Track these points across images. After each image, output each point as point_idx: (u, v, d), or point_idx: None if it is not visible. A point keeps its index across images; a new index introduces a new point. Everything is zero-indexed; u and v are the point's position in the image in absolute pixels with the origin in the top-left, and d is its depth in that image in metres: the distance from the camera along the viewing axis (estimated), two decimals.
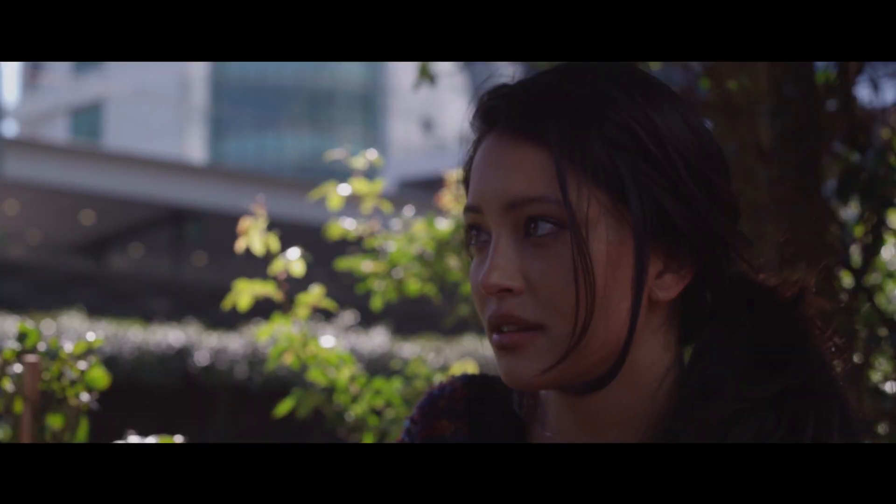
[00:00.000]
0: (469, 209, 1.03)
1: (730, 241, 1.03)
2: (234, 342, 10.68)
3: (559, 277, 0.97)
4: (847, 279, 2.17)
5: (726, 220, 1.03)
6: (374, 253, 2.83)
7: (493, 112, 1.03)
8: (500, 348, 1.00)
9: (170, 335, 10.55)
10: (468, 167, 1.06)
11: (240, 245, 2.47)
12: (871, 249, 2.14)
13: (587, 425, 1.04)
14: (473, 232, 1.04)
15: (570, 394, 1.04)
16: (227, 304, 2.50)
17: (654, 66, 2.44)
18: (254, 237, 2.48)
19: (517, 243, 1.00)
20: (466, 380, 1.16)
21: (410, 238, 2.80)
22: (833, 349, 1.04)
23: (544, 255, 0.98)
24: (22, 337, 1.93)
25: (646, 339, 1.02)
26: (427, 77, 2.80)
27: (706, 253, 1.02)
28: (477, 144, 1.05)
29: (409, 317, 13.40)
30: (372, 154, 2.75)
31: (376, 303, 2.81)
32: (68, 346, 1.92)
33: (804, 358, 1.01)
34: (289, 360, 2.47)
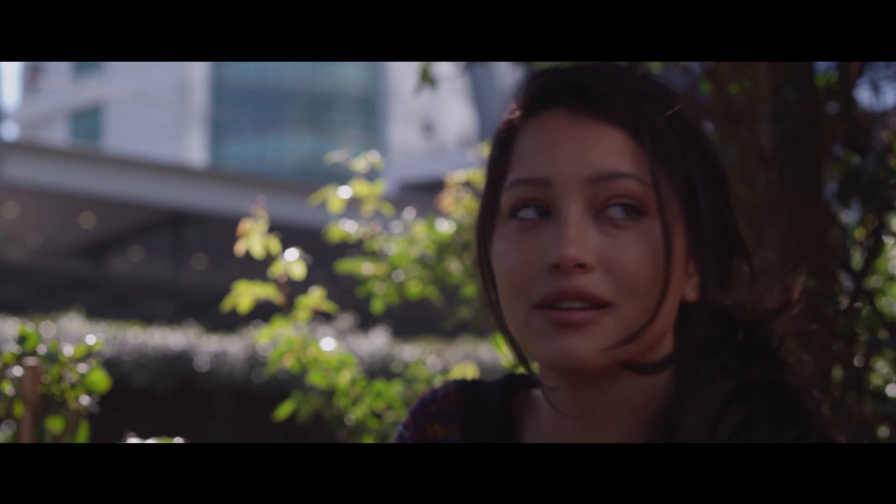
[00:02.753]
0: (531, 181, 1.01)
1: (740, 250, 1.06)
2: (233, 345, 10.68)
3: (634, 259, 0.98)
4: (848, 282, 2.17)
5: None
6: (374, 255, 2.83)
7: (558, 91, 1.03)
8: (563, 325, 0.98)
9: (169, 338, 10.54)
10: (504, 145, 1.05)
11: (240, 248, 2.47)
12: (872, 252, 2.14)
13: (593, 413, 1.04)
14: (523, 208, 1.01)
15: (596, 379, 1.02)
16: (226, 305, 2.50)
17: (655, 67, 2.44)
18: (254, 240, 2.47)
19: (590, 220, 0.99)
20: (459, 384, 1.17)
21: (411, 241, 2.80)
22: (806, 363, 1.05)
23: (619, 236, 0.99)
24: (22, 340, 1.93)
25: None
26: (428, 81, 2.79)
27: (718, 259, 1.04)
28: (519, 122, 1.05)
29: (408, 319, 13.40)
30: (373, 156, 2.75)
31: (377, 305, 2.81)
32: (68, 350, 1.92)
33: (781, 364, 1.04)
34: (289, 362, 2.47)
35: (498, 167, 1.05)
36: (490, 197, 1.06)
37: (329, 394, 2.50)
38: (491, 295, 1.07)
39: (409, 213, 2.96)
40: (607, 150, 0.99)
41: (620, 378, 1.02)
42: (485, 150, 2.87)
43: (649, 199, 0.99)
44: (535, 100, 1.04)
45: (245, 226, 2.47)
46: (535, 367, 1.09)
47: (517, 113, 1.05)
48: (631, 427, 1.03)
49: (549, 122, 1.02)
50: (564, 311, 0.97)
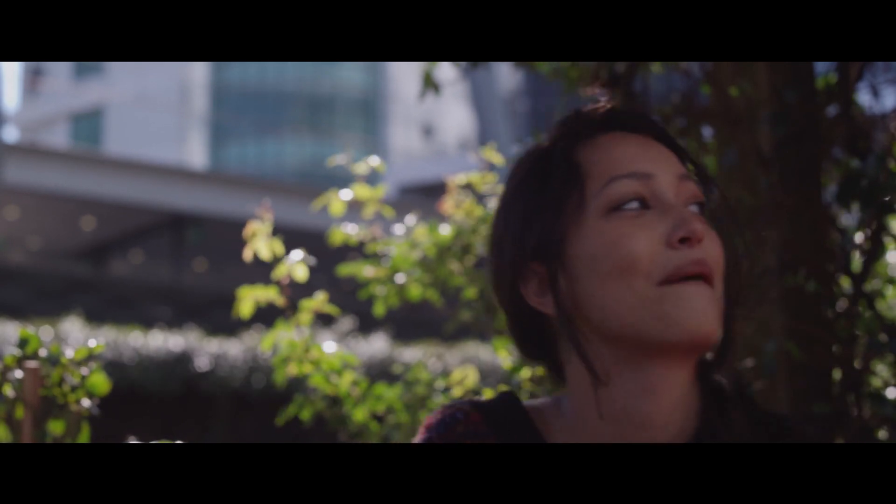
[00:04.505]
0: (635, 175, 1.10)
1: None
2: (234, 348, 10.68)
3: (719, 249, 1.09)
4: (847, 285, 2.17)
5: None
6: (375, 258, 2.83)
7: (617, 118, 1.15)
8: (702, 290, 1.06)
9: (170, 341, 10.54)
10: (571, 154, 1.13)
11: (247, 253, 2.46)
12: (872, 255, 2.14)
13: (674, 389, 1.09)
14: (628, 202, 1.09)
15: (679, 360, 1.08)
16: (235, 313, 2.49)
17: (656, 69, 2.44)
18: (260, 242, 2.46)
19: None
20: (472, 404, 1.16)
21: (412, 244, 2.80)
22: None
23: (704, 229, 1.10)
24: (23, 343, 1.93)
25: None
26: (432, 86, 2.80)
27: None
28: (579, 142, 1.14)
29: (408, 322, 13.40)
30: (375, 160, 2.75)
31: (379, 309, 2.80)
32: (69, 352, 1.92)
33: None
34: (294, 372, 2.47)
35: (568, 176, 1.12)
36: (565, 201, 1.11)
37: (331, 396, 2.50)
38: (586, 287, 1.09)
39: (410, 216, 2.96)
40: (676, 160, 1.13)
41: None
42: (487, 154, 2.88)
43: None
44: (598, 125, 1.15)
45: (250, 229, 2.46)
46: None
47: (576, 136, 1.15)
48: (689, 414, 1.09)
49: (621, 139, 1.13)
50: (698, 278, 1.06)
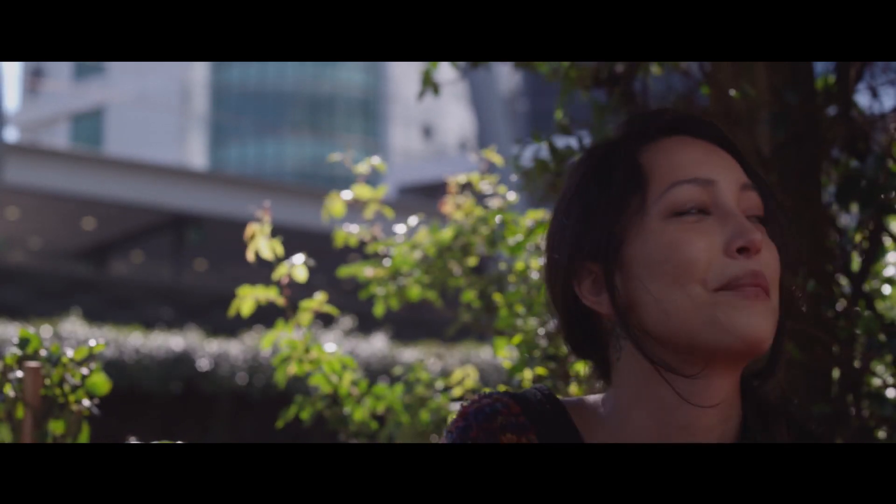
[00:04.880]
0: (697, 181, 1.11)
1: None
2: (234, 348, 10.68)
3: (776, 261, 1.11)
4: (847, 285, 2.17)
5: None
6: (376, 258, 2.83)
7: (681, 122, 1.16)
8: (759, 299, 1.07)
9: (170, 341, 10.55)
10: (634, 156, 1.14)
11: (249, 254, 2.46)
12: (871, 255, 2.14)
13: (719, 399, 1.10)
14: (688, 207, 1.10)
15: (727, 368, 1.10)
16: (231, 312, 2.49)
17: (655, 70, 2.44)
18: (260, 243, 2.47)
19: None
20: (509, 396, 1.16)
21: (413, 244, 2.80)
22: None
23: (763, 239, 1.11)
24: (23, 343, 1.93)
25: None
26: (431, 85, 2.80)
27: None
28: (640, 146, 1.15)
29: (408, 322, 13.40)
30: (377, 160, 2.75)
31: (379, 310, 2.80)
32: (69, 352, 1.92)
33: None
34: (294, 371, 2.47)
35: (631, 178, 1.13)
36: (626, 203, 1.12)
37: (332, 396, 2.50)
38: (644, 288, 1.10)
39: (413, 219, 2.95)
40: (739, 168, 1.14)
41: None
42: (488, 154, 2.88)
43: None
44: (662, 128, 1.16)
45: (251, 230, 2.46)
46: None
47: (640, 138, 1.15)
48: (731, 420, 1.11)
49: (685, 143, 1.14)
50: (756, 288, 1.07)
